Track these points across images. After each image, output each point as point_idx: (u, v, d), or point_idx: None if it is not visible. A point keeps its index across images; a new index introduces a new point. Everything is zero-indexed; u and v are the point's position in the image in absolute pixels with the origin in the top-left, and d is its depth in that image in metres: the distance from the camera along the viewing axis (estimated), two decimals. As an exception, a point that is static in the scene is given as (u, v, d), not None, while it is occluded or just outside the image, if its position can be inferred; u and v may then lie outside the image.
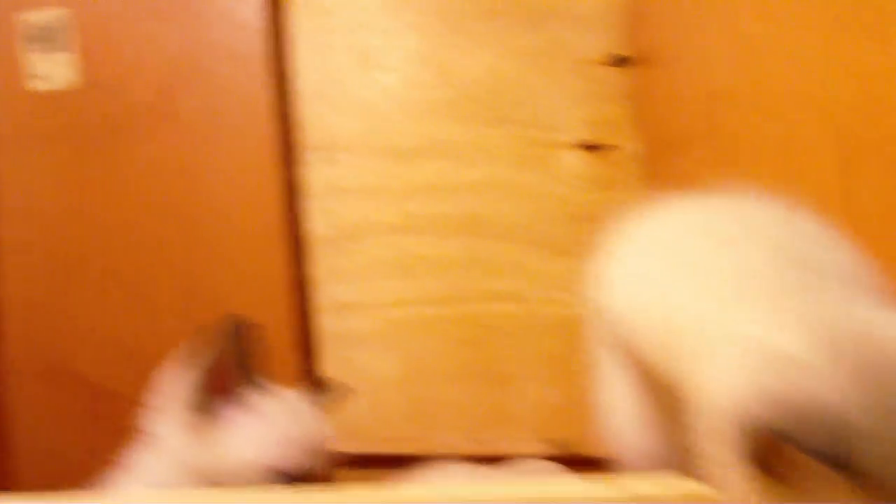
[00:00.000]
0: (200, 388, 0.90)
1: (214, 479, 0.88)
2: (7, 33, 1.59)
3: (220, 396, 0.90)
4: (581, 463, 1.46)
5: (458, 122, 1.52)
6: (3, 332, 1.59)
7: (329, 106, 1.55)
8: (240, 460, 0.89)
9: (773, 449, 0.47)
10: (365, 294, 1.55)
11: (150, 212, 1.53)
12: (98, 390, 1.55)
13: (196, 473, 0.89)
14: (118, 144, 1.54)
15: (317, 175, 1.56)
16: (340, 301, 1.56)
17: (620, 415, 0.75)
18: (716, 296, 0.57)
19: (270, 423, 0.90)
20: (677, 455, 0.66)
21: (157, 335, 1.52)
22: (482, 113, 1.51)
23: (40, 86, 1.57)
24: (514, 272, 1.51)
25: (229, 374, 0.90)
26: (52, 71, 1.53)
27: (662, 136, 1.36)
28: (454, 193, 1.52)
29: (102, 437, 1.57)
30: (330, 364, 1.55)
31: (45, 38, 1.54)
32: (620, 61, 1.47)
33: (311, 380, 1.45)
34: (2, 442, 1.56)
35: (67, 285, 1.57)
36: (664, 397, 0.63)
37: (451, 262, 1.52)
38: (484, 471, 1.12)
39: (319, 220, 1.56)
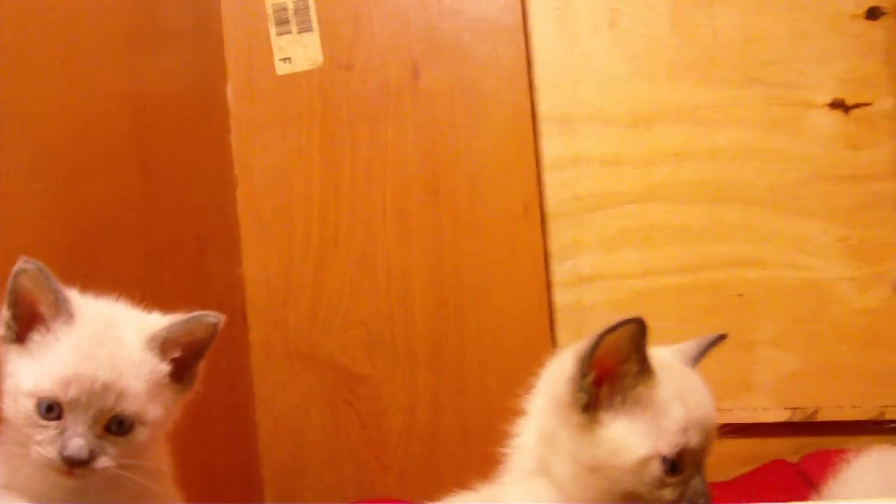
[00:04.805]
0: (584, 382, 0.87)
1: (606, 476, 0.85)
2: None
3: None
4: (825, 429, 1.45)
5: (702, 85, 1.46)
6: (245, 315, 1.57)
7: (567, 73, 1.50)
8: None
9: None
10: (606, 266, 1.51)
11: (400, 192, 1.49)
12: (345, 374, 1.53)
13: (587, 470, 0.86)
14: (366, 125, 1.49)
15: (554, 145, 1.51)
16: (580, 274, 1.52)
17: None
18: None
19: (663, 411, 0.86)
20: None
21: (406, 317, 1.50)
22: (729, 74, 1.45)
23: (287, 68, 1.52)
24: (758, 237, 1.46)
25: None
26: (298, 52, 1.47)
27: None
28: (698, 160, 1.47)
29: (345, 420, 1.56)
30: (565, 341, 1.52)
31: (291, 20, 1.49)
32: (877, 14, 1.40)
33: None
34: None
35: (314, 269, 1.55)
36: None
37: (695, 229, 1.48)
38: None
39: (558, 191, 1.52)
